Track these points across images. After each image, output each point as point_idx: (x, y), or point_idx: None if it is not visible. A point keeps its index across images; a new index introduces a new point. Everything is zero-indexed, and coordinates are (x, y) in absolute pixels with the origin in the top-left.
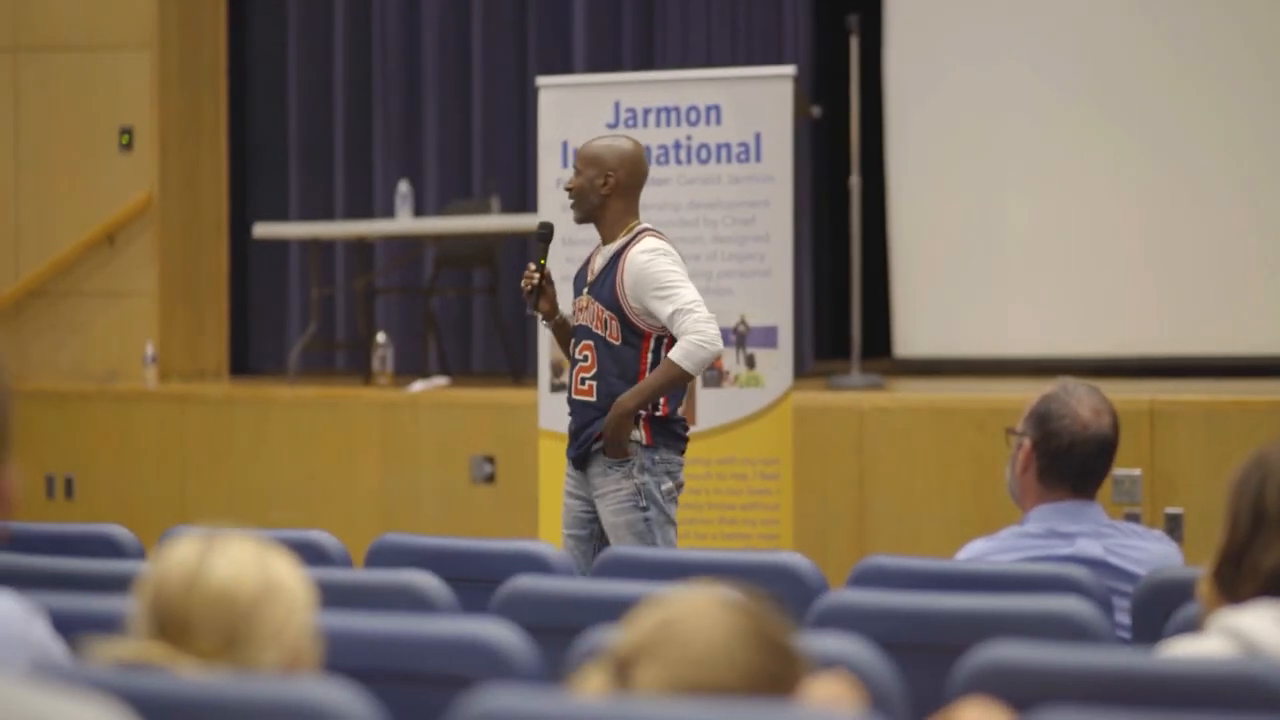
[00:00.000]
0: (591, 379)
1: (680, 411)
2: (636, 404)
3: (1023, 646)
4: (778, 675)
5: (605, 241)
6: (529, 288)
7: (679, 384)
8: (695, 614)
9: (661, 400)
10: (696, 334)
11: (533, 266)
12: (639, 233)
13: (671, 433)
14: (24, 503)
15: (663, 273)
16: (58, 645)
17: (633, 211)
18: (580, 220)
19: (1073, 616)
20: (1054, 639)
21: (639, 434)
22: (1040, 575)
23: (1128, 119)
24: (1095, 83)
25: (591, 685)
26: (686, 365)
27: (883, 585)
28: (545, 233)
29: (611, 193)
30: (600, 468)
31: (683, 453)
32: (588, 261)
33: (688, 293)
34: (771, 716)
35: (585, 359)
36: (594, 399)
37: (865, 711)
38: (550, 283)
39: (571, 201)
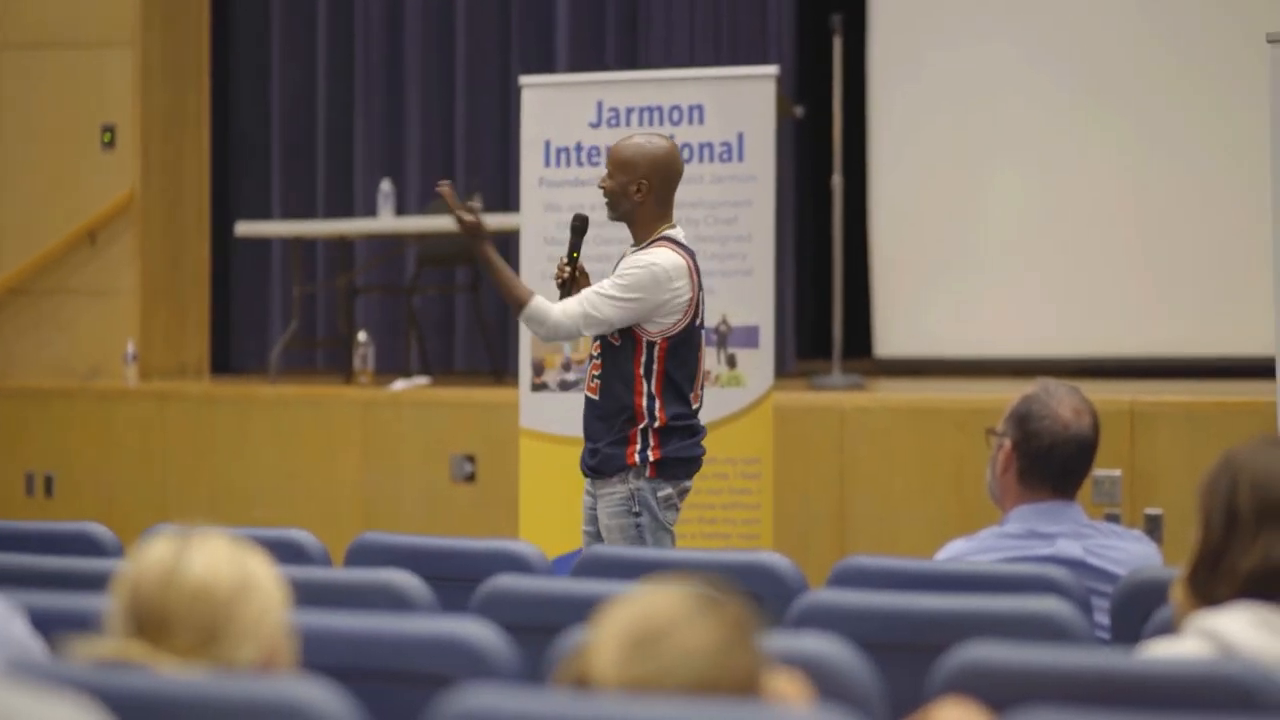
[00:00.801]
0: (598, 377)
1: (687, 420)
2: (486, 260)
3: (1001, 647)
4: (747, 673)
5: (635, 243)
6: (560, 280)
7: (508, 299)
8: (674, 621)
9: (658, 408)
10: (567, 320)
11: (564, 259)
12: (658, 239)
13: (673, 470)
14: (7, 501)
15: (630, 276)
16: (36, 643)
17: (665, 215)
18: (613, 219)
19: (1052, 617)
20: (1033, 639)
21: (642, 465)
22: (1019, 576)
23: (1111, 121)
24: (1079, 85)
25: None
26: (530, 308)
27: (862, 585)
28: (579, 225)
29: (644, 199)
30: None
31: (690, 475)
32: (622, 257)
33: (610, 307)
34: (747, 717)
35: (597, 356)
36: (598, 398)
37: (837, 711)
38: (584, 274)
39: (605, 201)
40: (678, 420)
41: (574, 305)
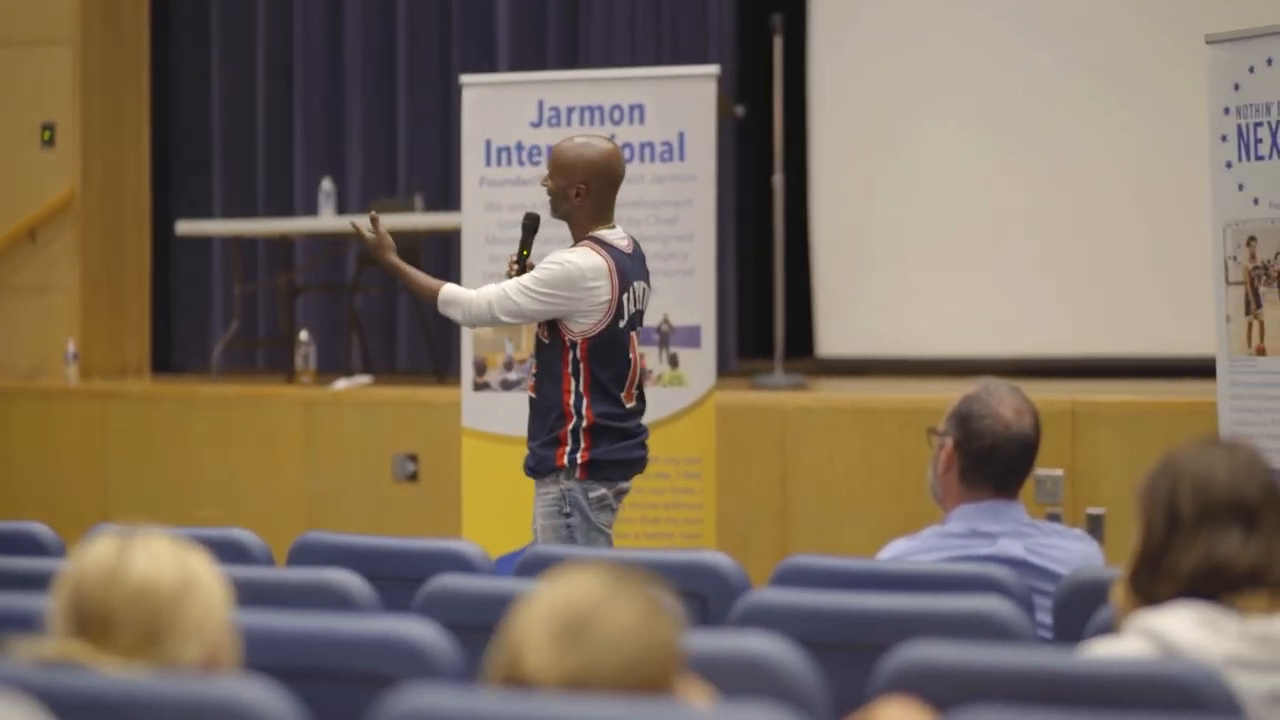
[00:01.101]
0: (534, 376)
1: (619, 421)
2: (391, 269)
3: (944, 646)
4: (671, 645)
5: (574, 243)
6: (510, 277)
7: (423, 298)
8: (595, 606)
9: (585, 406)
10: (482, 299)
11: (514, 257)
12: (584, 240)
13: (606, 471)
14: None
15: (545, 271)
16: None
17: (603, 216)
18: (555, 218)
19: (993, 616)
20: (975, 638)
21: (571, 466)
22: (962, 575)
23: (1049, 122)
24: (1016, 85)
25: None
26: (444, 294)
27: (805, 584)
28: (530, 224)
29: (583, 202)
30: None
31: (627, 477)
32: None
33: (524, 297)
34: (689, 715)
35: (534, 355)
36: (534, 396)
37: (781, 710)
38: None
39: (549, 199)
40: (607, 420)
41: (491, 288)
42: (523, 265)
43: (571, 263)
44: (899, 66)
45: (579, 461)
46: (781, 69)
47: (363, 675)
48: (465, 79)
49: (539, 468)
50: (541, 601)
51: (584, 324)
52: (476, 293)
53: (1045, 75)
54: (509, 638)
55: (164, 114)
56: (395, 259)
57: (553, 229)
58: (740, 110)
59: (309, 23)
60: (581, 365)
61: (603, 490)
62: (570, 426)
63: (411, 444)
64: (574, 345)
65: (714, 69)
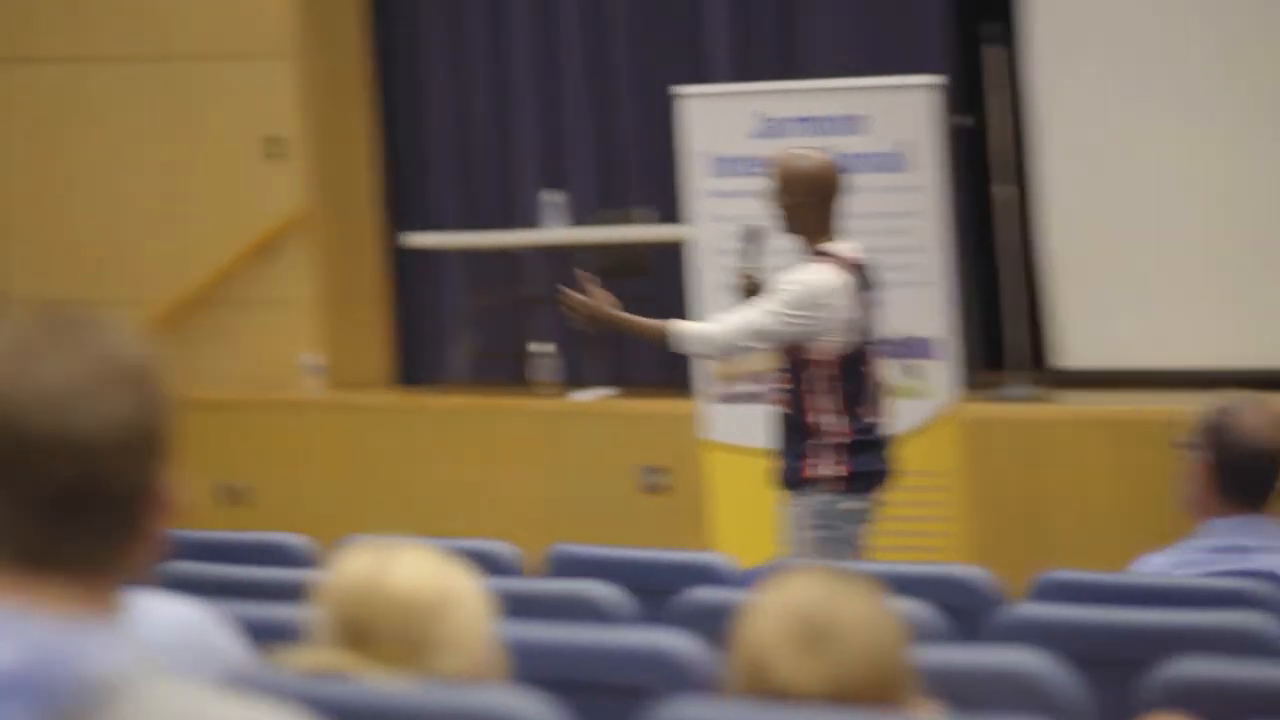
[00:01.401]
0: (778, 392)
1: (865, 435)
2: (612, 324)
3: (1212, 662)
4: (901, 631)
5: (806, 258)
6: (743, 289)
7: (652, 341)
8: (832, 608)
9: (831, 423)
10: (727, 330)
11: (741, 271)
12: (817, 254)
13: (856, 484)
14: (197, 511)
15: (787, 293)
16: (246, 653)
17: (825, 228)
18: (785, 233)
19: (1255, 632)
20: (1236, 654)
21: (822, 480)
22: (1219, 590)
23: None
24: (1247, 84)
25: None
26: (672, 330)
27: (1063, 599)
28: (749, 235)
29: (805, 215)
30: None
31: (874, 489)
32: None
33: (769, 319)
34: None
35: (777, 371)
36: (779, 412)
37: None
38: (761, 284)
39: (776, 217)
40: (855, 434)
41: (732, 318)
42: (749, 277)
43: (813, 282)
44: (1120, 70)
45: (830, 475)
46: (1008, 80)
47: (624, 687)
48: (681, 90)
49: (791, 481)
50: (773, 609)
51: (828, 340)
52: (718, 325)
53: (1275, 74)
54: (745, 648)
55: (387, 127)
56: (613, 314)
57: (778, 240)
58: (966, 121)
59: (527, 32)
60: (826, 381)
61: (855, 503)
62: (820, 441)
63: (652, 455)
64: (819, 362)
65: (934, 79)
